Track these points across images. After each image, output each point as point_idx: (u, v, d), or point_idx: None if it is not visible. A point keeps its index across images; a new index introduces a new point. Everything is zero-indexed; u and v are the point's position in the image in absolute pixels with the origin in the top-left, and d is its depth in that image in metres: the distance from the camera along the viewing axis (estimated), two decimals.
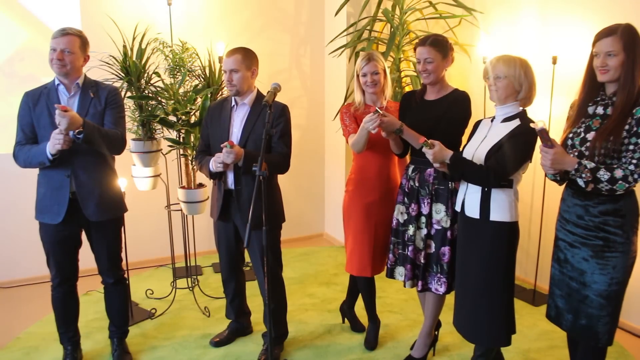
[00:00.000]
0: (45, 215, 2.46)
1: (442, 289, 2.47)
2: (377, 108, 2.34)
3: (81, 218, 2.49)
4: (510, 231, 2.15)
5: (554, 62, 3.21)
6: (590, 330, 2.01)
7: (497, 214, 2.13)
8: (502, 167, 2.08)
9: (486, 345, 2.29)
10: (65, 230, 2.49)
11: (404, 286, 2.57)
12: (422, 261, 2.49)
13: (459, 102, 2.43)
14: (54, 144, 2.27)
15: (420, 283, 2.52)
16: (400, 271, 2.60)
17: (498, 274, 2.16)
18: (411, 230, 2.52)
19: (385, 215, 2.67)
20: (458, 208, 2.29)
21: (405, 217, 2.56)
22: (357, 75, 2.63)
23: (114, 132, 2.45)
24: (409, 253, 2.53)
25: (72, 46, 2.37)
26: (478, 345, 2.34)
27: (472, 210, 2.19)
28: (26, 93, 2.47)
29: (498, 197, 2.14)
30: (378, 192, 2.68)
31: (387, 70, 2.67)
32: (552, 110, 3.27)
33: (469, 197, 2.22)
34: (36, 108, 2.42)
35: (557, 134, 2.17)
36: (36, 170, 2.50)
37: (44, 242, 2.52)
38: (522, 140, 2.08)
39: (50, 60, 2.38)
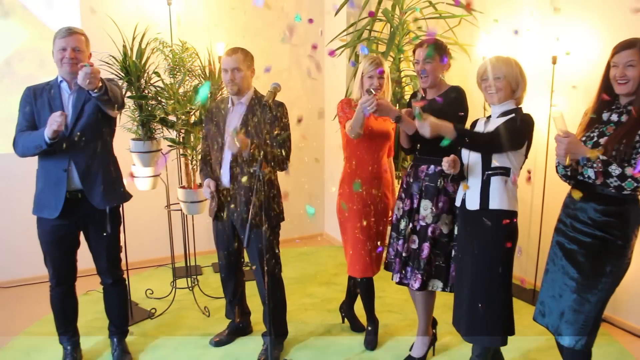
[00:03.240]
0: (43, 210, 2.47)
1: (416, 285, 2.50)
2: (371, 89, 2.39)
3: (79, 217, 2.49)
4: (509, 220, 2.18)
5: (554, 62, 3.20)
6: (573, 333, 2.02)
7: (496, 202, 2.16)
8: (496, 133, 2.11)
9: (482, 344, 2.29)
10: (63, 230, 2.50)
11: (392, 279, 2.62)
12: (404, 254, 2.53)
13: (454, 97, 2.47)
14: (50, 124, 2.27)
15: (397, 276, 2.57)
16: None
17: (496, 268, 2.18)
18: (402, 224, 2.58)
19: (379, 214, 2.71)
20: (458, 203, 2.32)
21: (401, 212, 2.61)
22: (362, 76, 2.65)
23: (115, 83, 2.54)
24: (399, 247, 2.58)
25: (81, 44, 2.41)
26: (475, 345, 2.34)
27: (473, 203, 2.22)
28: (28, 87, 2.49)
29: (497, 187, 2.17)
30: (371, 192, 2.71)
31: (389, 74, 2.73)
32: (551, 110, 3.26)
33: (469, 192, 2.24)
34: (37, 102, 2.44)
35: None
36: (35, 169, 2.50)
37: (41, 241, 2.53)
38: (515, 120, 2.12)
39: (61, 59, 2.39)
